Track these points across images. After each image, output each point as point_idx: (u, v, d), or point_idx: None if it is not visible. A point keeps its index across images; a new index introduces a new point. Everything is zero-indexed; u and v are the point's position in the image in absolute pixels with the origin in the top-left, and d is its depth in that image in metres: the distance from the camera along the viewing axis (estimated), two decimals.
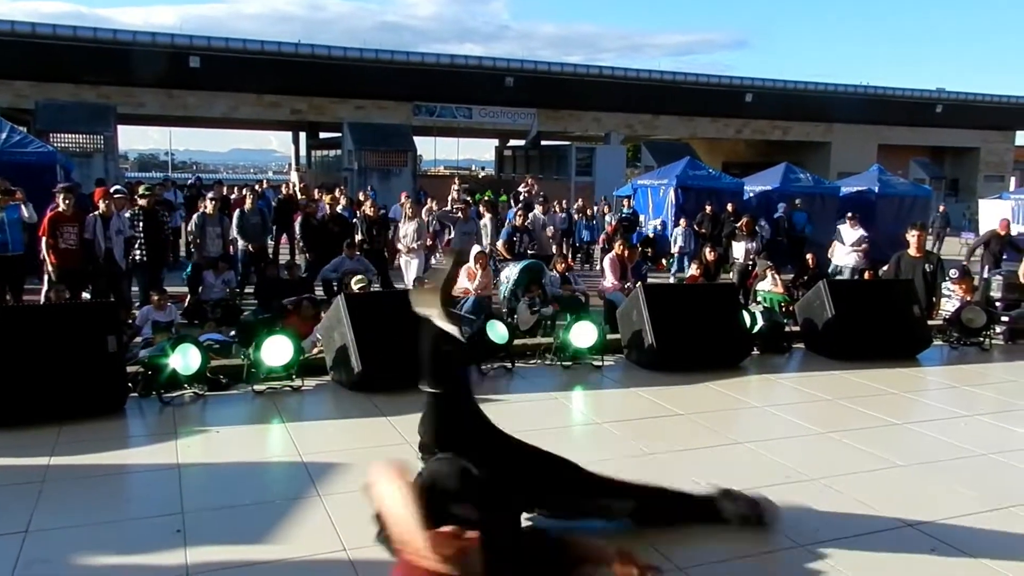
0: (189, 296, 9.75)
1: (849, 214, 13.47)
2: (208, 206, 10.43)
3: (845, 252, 12.87)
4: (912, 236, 8.62)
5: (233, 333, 7.88)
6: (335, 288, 9.43)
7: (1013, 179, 35.78)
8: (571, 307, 8.81)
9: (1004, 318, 7.31)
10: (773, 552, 2.87)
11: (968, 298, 8.48)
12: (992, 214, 23.03)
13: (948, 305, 8.37)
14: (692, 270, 11.95)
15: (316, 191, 16.17)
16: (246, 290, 10.59)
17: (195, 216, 10.47)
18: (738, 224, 13.91)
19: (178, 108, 25.77)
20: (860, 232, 12.99)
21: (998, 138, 35.84)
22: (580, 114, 29.87)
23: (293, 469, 3.73)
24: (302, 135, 34.63)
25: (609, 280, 9.54)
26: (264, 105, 26.58)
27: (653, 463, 3.86)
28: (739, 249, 12.87)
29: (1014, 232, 20.19)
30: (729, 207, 15.78)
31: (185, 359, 4.81)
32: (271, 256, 12.20)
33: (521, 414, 4.70)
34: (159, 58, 23.27)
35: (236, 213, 11.09)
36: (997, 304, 8.13)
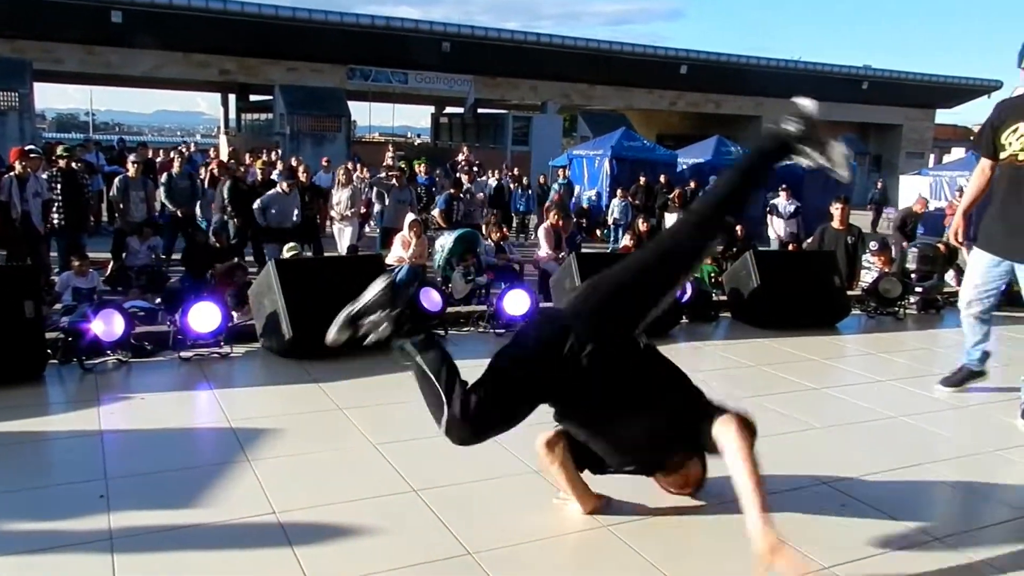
0: (112, 262, 9.46)
1: (783, 186, 13.80)
2: (131, 169, 10.10)
3: (782, 224, 13.24)
4: (836, 209, 8.94)
5: (159, 300, 7.69)
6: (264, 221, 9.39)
7: (932, 156, 37.22)
8: (505, 276, 8.88)
9: (918, 289, 7.63)
10: (696, 508, 2.98)
11: (886, 270, 8.83)
12: (912, 190, 23.97)
13: (867, 276, 8.69)
14: (625, 240, 12.13)
15: (247, 156, 15.81)
16: (172, 256, 10.32)
17: (117, 179, 10.14)
18: (671, 196, 14.17)
19: (99, 66, 24.66)
20: (796, 204, 13.39)
21: (919, 116, 37.08)
22: (517, 82, 29.74)
23: (221, 435, 3.69)
24: (231, 97, 33.62)
25: (544, 250, 9.62)
26: (191, 64, 25.66)
27: None
28: (671, 220, 13.12)
29: (931, 207, 20.98)
30: (662, 179, 16.03)
31: (107, 325, 4.68)
32: (198, 222, 11.90)
33: None
34: (78, 11, 22.19)
35: (163, 177, 10.77)
36: (912, 276, 8.48)
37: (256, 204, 9.66)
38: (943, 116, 39.94)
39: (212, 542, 2.65)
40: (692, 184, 15.73)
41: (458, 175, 15.46)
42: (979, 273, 4.50)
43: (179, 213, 10.58)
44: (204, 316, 4.95)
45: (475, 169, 17.50)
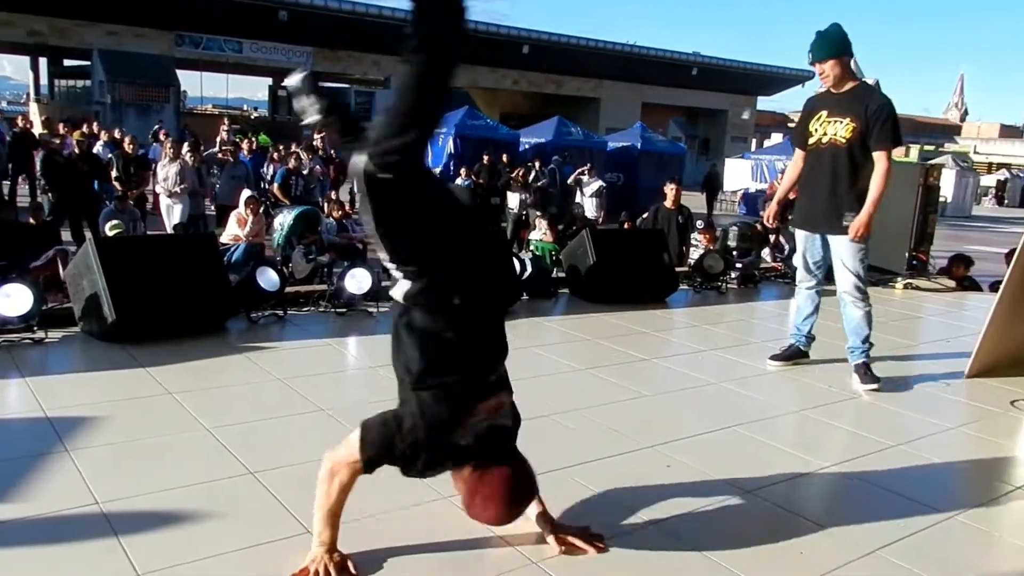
0: None
1: (588, 166, 14.43)
2: None
3: (584, 201, 13.81)
4: (670, 190, 9.44)
5: None
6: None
7: (754, 141, 39.94)
8: (348, 255, 8.73)
9: (738, 265, 8.21)
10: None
11: (710, 247, 9.43)
12: (737, 173, 25.63)
13: (695, 253, 9.25)
14: None
15: (61, 126, 14.60)
16: None
17: None
18: (513, 175, 14.40)
19: None
20: (598, 183, 13.96)
21: (743, 102, 39.60)
22: (360, 56, 29.11)
23: (35, 425, 3.43)
24: (42, 61, 30.79)
25: None
26: None
27: None
28: (513, 199, 13.35)
29: (752, 189, 22.47)
30: (504, 158, 16.23)
31: None
32: (6, 198, 10.91)
33: (293, 360, 4.65)
34: None
35: None
36: (733, 253, 9.11)
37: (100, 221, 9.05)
38: (764, 103, 42.91)
39: (28, 538, 2.48)
40: (537, 164, 16.04)
41: (296, 150, 14.96)
42: (801, 249, 4.91)
43: None
44: (12, 298, 4.56)
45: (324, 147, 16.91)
